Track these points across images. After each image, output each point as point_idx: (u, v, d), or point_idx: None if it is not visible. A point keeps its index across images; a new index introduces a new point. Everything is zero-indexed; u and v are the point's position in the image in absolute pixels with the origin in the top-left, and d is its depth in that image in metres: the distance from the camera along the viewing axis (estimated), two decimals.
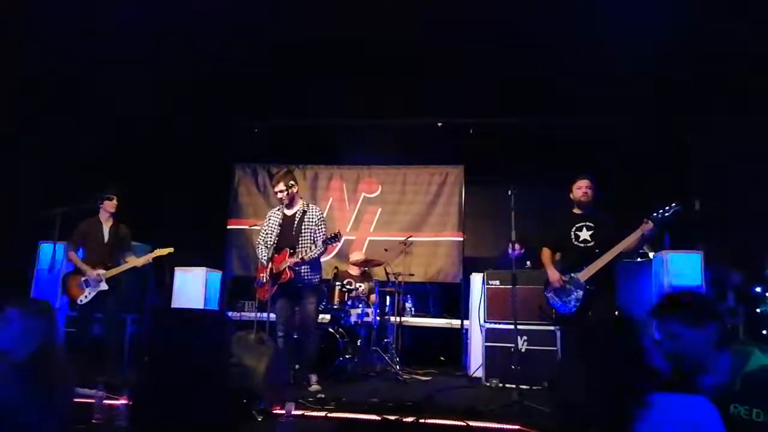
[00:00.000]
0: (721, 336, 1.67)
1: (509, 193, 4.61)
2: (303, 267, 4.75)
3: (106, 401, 3.52)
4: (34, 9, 5.45)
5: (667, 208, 4.10)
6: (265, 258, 4.78)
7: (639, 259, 6.32)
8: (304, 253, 4.71)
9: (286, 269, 4.66)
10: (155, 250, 5.34)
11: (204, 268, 6.87)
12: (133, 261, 5.18)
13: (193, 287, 6.77)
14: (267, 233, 4.95)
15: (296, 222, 4.84)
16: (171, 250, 5.39)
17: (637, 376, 1.51)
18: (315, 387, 4.67)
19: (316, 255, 4.78)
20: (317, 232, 4.85)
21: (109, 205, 5.25)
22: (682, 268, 5.37)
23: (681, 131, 6.64)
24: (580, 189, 4.53)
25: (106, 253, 5.21)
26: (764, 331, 5.06)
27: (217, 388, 2.16)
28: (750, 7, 4.79)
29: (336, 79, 6.58)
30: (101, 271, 5.11)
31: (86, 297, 5.10)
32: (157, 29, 5.66)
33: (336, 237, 4.78)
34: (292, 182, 4.87)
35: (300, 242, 4.79)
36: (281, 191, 4.86)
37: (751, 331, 5.10)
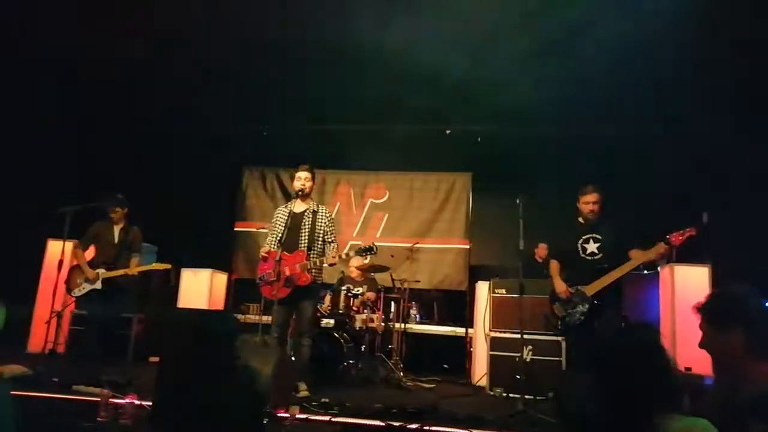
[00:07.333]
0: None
1: (517, 201, 4.57)
2: (314, 269, 4.62)
3: (111, 400, 3.54)
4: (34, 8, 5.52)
5: (681, 232, 4.09)
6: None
7: (645, 272, 6.29)
8: (328, 258, 4.57)
9: (305, 273, 4.51)
10: (153, 264, 5.56)
11: (210, 270, 6.91)
12: (130, 269, 5.35)
13: (198, 288, 6.82)
14: (275, 232, 4.78)
15: (306, 221, 4.69)
16: (168, 266, 5.60)
17: (658, 392, 1.50)
18: (303, 393, 4.43)
19: (337, 261, 4.68)
20: (328, 233, 4.75)
21: (115, 216, 5.48)
22: (689, 281, 5.35)
23: (692, 144, 6.61)
24: (588, 205, 4.50)
25: (113, 254, 5.40)
26: None
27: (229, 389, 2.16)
28: None
29: (346, 84, 6.60)
30: (101, 271, 5.30)
31: (80, 291, 5.32)
32: (164, 31, 5.71)
33: (371, 249, 4.64)
34: (312, 176, 4.81)
35: (314, 243, 4.64)
36: (305, 179, 4.72)
37: None
